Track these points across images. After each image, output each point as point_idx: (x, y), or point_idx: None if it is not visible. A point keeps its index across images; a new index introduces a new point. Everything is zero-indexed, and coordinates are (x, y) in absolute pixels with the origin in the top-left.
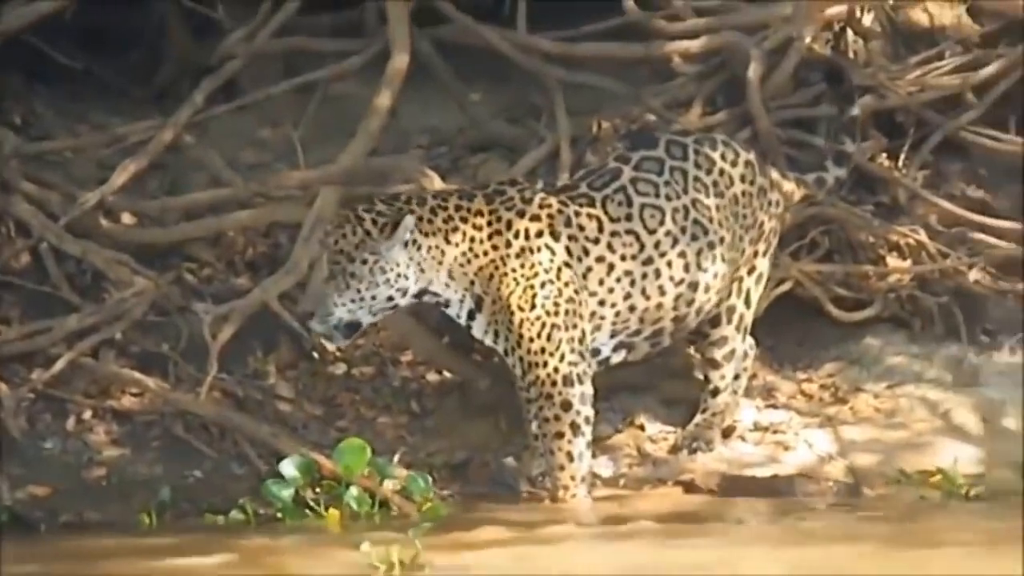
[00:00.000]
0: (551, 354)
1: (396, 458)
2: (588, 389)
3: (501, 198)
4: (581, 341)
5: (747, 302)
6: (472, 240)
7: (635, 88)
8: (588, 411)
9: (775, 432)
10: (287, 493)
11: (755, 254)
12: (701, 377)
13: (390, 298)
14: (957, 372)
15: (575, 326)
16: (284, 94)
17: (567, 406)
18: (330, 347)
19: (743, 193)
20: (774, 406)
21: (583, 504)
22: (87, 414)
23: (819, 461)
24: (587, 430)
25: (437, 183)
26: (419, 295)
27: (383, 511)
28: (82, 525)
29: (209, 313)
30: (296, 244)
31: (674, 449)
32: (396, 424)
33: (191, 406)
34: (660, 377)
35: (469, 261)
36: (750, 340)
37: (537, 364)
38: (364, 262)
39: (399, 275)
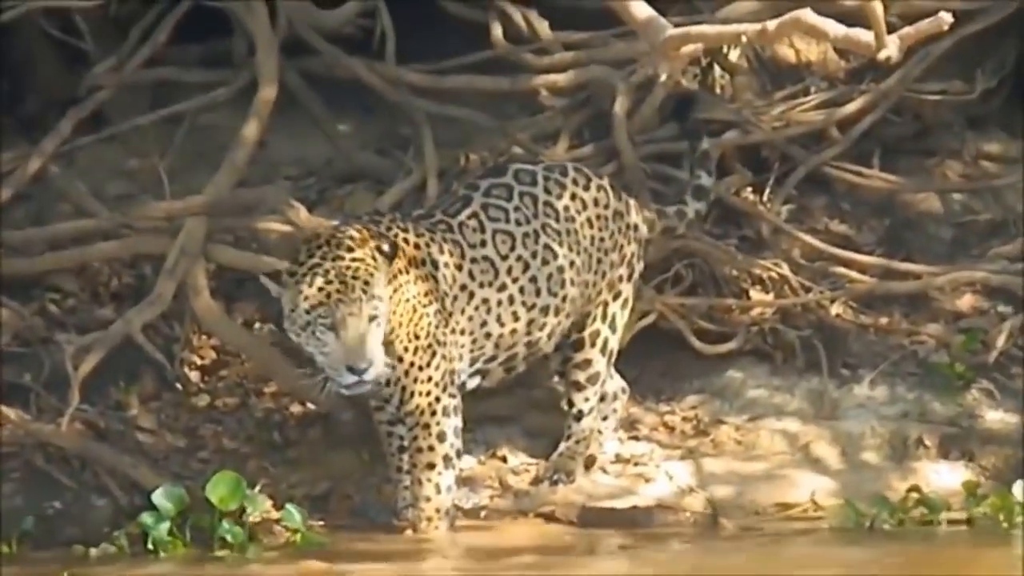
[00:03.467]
0: (436, 384)
1: (257, 489)
2: (460, 423)
3: (380, 228)
4: (455, 373)
5: (612, 326)
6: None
7: (502, 121)
8: (460, 444)
9: (636, 464)
10: (164, 525)
11: (619, 279)
12: (565, 406)
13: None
14: (817, 405)
15: (454, 359)
16: (151, 125)
17: (442, 437)
18: (347, 392)
19: (598, 216)
20: (636, 438)
21: (444, 536)
22: None
23: (679, 493)
24: (457, 464)
25: (304, 215)
26: None
27: (253, 543)
28: None
29: (72, 344)
30: (160, 275)
31: (536, 481)
32: (258, 455)
33: (52, 437)
34: (523, 409)
35: None
36: (621, 382)
37: (419, 393)
38: (385, 299)
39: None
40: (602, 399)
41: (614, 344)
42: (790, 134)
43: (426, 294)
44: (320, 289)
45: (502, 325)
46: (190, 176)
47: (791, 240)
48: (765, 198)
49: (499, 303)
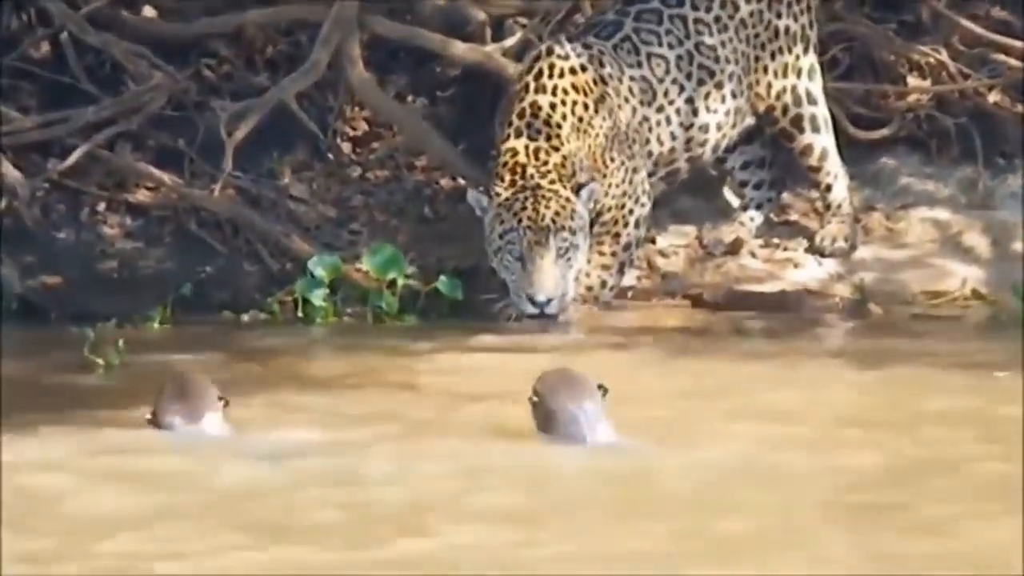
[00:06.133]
0: (629, 196)
1: (407, 261)
2: (644, 232)
3: (557, 57)
4: (645, 181)
5: (812, 101)
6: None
7: None
8: (638, 253)
9: (785, 249)
10: (319, 292)
11: (796, 57)
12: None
13: None
14: (970, 194)
15: (640, 168)
16: None
17: (628, 247)
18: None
19: (750, 13)
20: (787, 223)
21: (590, 313)
22: (101, 206)
23: (828, 278)
24: (628, 271)
25: None
26: None
27: (406, 312)
28: (91, 316)
29: (226, 110)
30: (316, 43)
31: (812, 251)
32: (408, 228)
33: (205, 202)
34: (674, 191)
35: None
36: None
37: (613, 207)
38: (580, 231)
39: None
40: (758, 186)
41: (823, 113)
42: None
43: (609, 115)
44: (514, 215)
45: (661, 144)
46: None
47: (950, 25)
48: None
49: (658, 123)
